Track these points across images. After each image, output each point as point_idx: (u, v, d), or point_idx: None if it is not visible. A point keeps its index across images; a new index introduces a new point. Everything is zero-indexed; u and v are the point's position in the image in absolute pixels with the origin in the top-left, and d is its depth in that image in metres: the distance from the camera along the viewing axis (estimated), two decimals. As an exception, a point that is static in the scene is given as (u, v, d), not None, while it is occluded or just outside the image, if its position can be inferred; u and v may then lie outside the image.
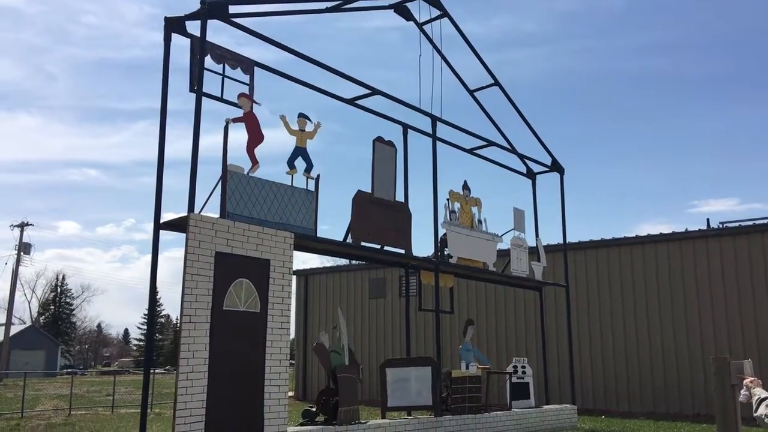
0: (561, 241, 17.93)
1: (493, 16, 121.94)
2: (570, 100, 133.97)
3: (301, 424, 10.43)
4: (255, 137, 9.71)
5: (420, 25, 14.43)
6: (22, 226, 54.16)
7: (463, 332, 14.51)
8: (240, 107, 9.70)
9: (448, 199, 13.62)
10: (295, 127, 10.45)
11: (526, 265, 15.83)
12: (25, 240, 54.53)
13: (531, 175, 17.50)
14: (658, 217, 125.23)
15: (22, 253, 54.29)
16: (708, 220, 22.24)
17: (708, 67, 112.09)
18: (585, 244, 20.61)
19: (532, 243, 16.53)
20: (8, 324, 53.54)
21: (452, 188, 13.84)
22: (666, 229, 21.07)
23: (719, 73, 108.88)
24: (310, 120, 10.59)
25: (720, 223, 20.88)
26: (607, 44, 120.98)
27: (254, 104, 9.85)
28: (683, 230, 19.28)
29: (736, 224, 19.48)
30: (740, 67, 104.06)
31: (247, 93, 9.86)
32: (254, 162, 9.64)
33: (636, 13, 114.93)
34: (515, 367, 14.92)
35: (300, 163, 10.37)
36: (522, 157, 16.94)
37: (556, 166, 17.49)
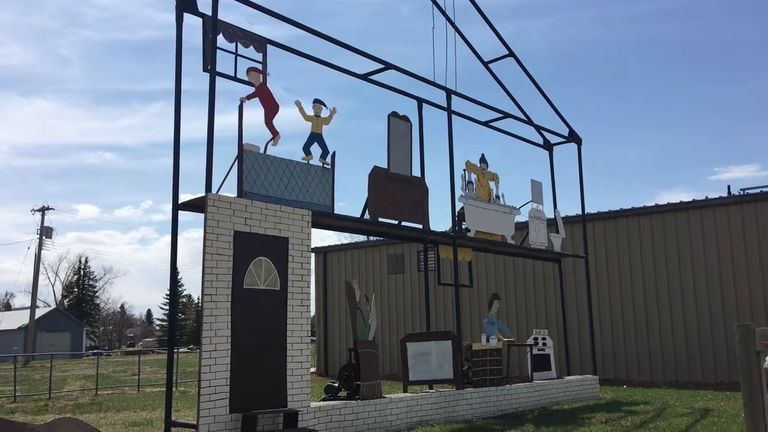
0: (579, 212, 17.80)
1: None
2: (586, 70, 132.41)
3: (324, 400, 10.53)
4: (271, 109, 9.69)
5: (432, -3, 14.24)
6: (43, 210, 54.67)
7: (489, 305, 14.54)
8: (251, 83, 9.68)
9: (464, 170, 13.55)
10: (310, 112, 10.41)
11: (545, 236, 15.76)
12: (46, 224, 55.07)
13: (548, 146, 17.34)
14: (678, 185, 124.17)
15: (44, 237, 54.90)
16: (729, 186, 21.90)
17: (726, 32, 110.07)
18: (604, 215, 20.47)
19: (550, 215, 16.44)
20: (33, 307, 54.36)
21: (469, 160, 13.77)
22: (686, 197, 20.92)
23: (738, 37, 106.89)
24: (325, 106, 10.55)
25: (741, 189, 20.63)
26: (623, 11, 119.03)
27: (266, 76, 9.82)
28: (703, 198, 19.08)
29: (757, 190, 19.26)
30: (759, 31, 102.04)
31: (257, 67, 9.82)
32: (274, 133, 9.63)
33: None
34: (536, 338, 14.93)
35: (316, 149, 10.36)
36: (538, 128, 16.78)
37: (573, 137, 17.31)
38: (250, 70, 9.70)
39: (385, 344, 23.10)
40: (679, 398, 14.61)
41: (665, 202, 19.68)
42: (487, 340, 13.34)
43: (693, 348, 18.60)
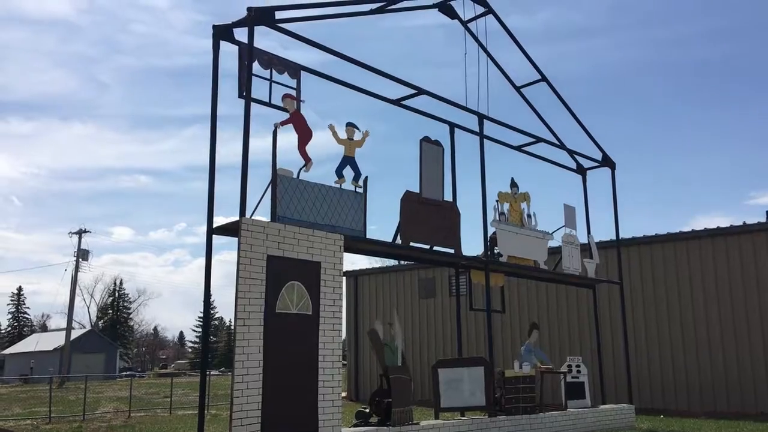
0: (614, 238, 17.57)
1: (539, 10, 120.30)
2: (621, 93, 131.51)
3: (355, 425, 10.45)
4: (304, 135, 9.79)
5: (464, 23, 14.33)
6: (80, 233, 55.65)
7: (528, 333, 14.38)
8: (285, 109, 9.80)
9: (497, 201, 13.52)
10: (343, 135, 10.49)
11: (579, 262, 15.57)
12: (82, 247, 56.01)
13: (581, 170, 17.21)
14: (715, 210, 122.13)
15: (80, 260, 55.80)
16: (767, 212, 21.54)
17: (758, 53, 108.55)
18: (639, 240, 20.18)
19: (583, 240, 16.26)
20: (69, 328, 55.13)
21: (501, 187, 13.74)
22: (723, 223, 20.45)
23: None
24: (358, 129, 10.63)
25: (780, 214, 20.19)
26: (657, 34, 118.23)
27: (300, 103, 9.95)
28: (741, 223, 18.71)
29: (798, 216, 18.82)
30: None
31: (292, 94, 9.96)
32: (307, 160, 9.73)
33: (685, 0, 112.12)
34: (570, 366, 14.69)
35: (348, 172, 10.41)
36: (571, 152, 16.68)
37: (607, 161, 17.16)
38: (285, 96, 9.84)
39: (416, 370, 22.92)
40: (718, 429, 14.22)
41: (702, 227, 19.37)
42: (520, 367, 13.16)
43: (732, 377, 18.12)
